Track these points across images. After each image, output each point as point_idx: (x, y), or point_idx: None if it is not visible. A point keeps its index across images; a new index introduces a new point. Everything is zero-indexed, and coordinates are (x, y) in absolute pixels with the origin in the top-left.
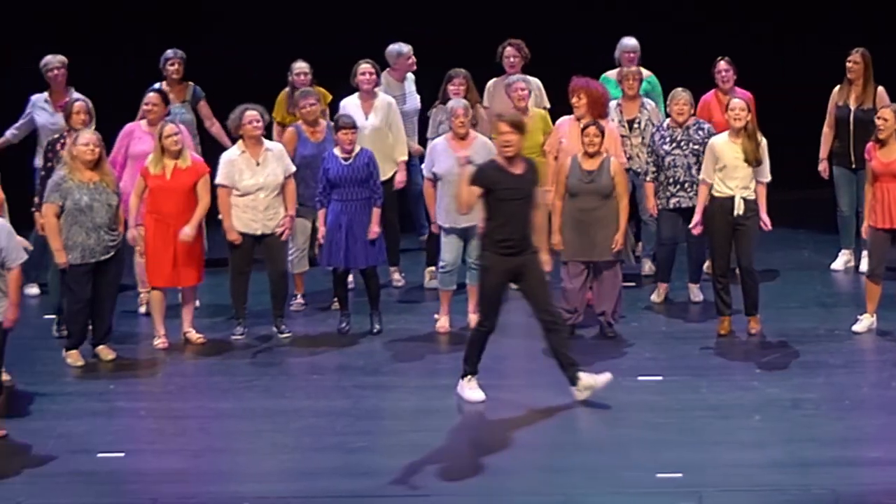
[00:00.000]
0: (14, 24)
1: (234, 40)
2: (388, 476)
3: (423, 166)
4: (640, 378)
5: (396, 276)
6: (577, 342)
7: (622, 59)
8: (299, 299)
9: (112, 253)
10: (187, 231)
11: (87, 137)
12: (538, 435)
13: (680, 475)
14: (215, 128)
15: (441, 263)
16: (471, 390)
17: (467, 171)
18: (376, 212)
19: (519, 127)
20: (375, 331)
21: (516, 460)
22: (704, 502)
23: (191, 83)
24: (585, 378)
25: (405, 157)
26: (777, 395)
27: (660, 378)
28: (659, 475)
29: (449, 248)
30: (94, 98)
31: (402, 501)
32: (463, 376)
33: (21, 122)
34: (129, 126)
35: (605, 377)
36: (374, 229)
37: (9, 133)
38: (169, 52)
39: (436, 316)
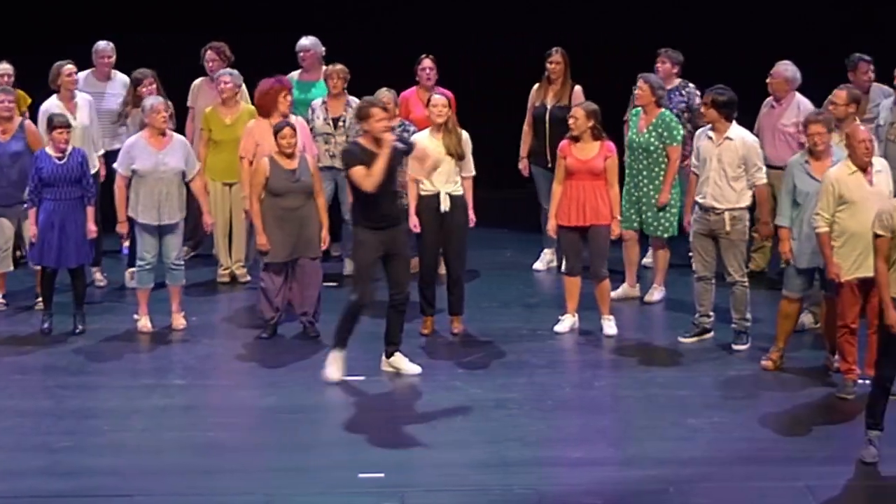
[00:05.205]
0: None
1: None
2: (93, 476)
3: (116, 164)
4: (343, 378)
5: (98, 275)
6: (278, 341)
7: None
8: (0, 299)
9: None
10: None
11: None
12: (242, 434)
13: (382, 475)
14: None
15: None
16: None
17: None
18: (91, 210)
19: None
20: (78, 331)
21: (220, 460)
22: (407, 502)
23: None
24: (400, 359)
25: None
26: (480, 396)
27: (362, 378)
28: (361, 475)
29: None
30: None
31: (105, 502)
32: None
33: None
34: None
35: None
36: (92, 228)
37: None
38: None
39: (136, 316)
